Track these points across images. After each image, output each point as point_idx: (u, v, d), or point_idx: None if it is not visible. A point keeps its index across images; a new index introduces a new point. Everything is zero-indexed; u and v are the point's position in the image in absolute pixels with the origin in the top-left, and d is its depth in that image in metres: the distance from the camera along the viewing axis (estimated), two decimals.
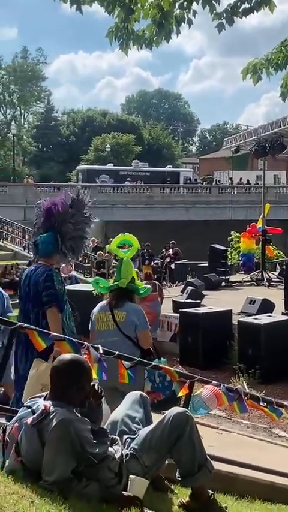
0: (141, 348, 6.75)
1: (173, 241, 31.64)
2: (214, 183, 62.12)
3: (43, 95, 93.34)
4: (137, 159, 69.05)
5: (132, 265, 7.07)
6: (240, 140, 24.19)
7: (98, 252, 27.49)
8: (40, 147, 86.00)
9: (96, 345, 5.64)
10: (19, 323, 5.63)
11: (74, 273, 28.06)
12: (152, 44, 6.46)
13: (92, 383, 4.43)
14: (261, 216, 24.28)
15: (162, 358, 6.81)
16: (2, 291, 8.62)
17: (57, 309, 6.33)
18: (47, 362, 5.62)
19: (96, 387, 4.43)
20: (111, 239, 6.93)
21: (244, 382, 11.04)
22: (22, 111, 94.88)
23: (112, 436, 4.38)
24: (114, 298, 6.82)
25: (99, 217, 42.26)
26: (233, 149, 25.25)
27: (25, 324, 5.64)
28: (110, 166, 64.33)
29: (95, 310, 6.91)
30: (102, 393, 4.45)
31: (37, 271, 6.44)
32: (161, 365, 6.11)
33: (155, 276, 16.06)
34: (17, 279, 24.05)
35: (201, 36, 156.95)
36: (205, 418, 8.65)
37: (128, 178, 58.65)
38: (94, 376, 5.38)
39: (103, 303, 6.95)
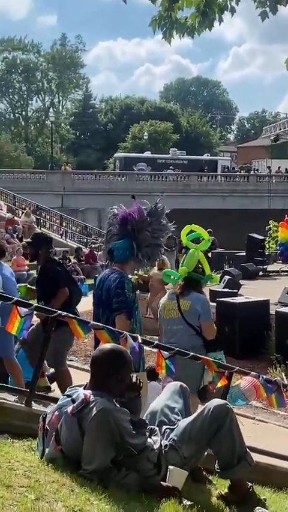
0: (204, 338, 6.90)
1: (209, 230, 31.53)
2: (252, 171, 61.67)
3: (81, 82, 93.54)
4: (175, 147, 68.84)
5: (198, 256, 7.29)
6: (280, 129, 24.04)
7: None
8: (78, 134, 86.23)
9: (135, 335, 5.64)
10: (59, 311, 5.64)
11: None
12: (194, 32, 6.40)
13: (131, 375, 4.43)
14: None
15: (218, 352, 6.90)
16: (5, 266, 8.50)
17: (126, 316, 6.36)
18: None
19: (134, 379, 4.43)
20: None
21: (282, 373, 10.96)
22: (60, 98, 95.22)
23: (151, 426, 4.38)
24: (180, 287, 7.10)
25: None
26: (272, 138, 25.09)
27: (64, 313, 5.65)
28: (147, 154, 64.27)
29: (163, 298, 7.24)
30: (141, 385, 4.45)
31: (110, 276, 6.47)
32: (200, 356, 6.09)
33: None
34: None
35: (241, 23, 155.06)
36: (241, 408, 8.61)
37: (170, 167, 58.49)
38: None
39: (171, 291, 7.23)
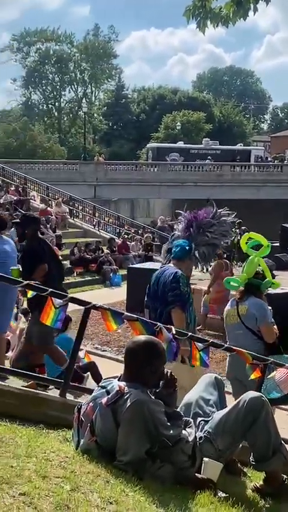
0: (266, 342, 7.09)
1: (239, 220, 31.38)
2: (286, 161, 61.11)
3: (114, 73, 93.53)
4: (208, 137, 68.55)
5: (258, 263, 7.49)
6: None
7: (146, 235, 27.19)
8: (110, 125, 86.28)
9: (169, 326, 5.64)
10: (93, 303, 5.65)
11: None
12: (229, 21, 6.34)
13: (165, 371, 4.42)
14: None
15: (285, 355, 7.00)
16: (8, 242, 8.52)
17: (181, 309, 6.63)
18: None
19: (169, 375, 4.42)
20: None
21: None
22: (93, 89, 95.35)
23: (186, 418, 4.37)
24: (239, 293, 7.34)
25: (168, 196, 42.22)
26: None
27: (99, 304, 5.66)
28: (180, 144, 64.06)
29: (227, 305, 7.48)
30: (176, 380, 4.44)
31: (165, 272, 6.79)
32: (234, 347, 6.08)
33: (225, 255, 16.00)
34: (87, 256, 24.39)
35: (275, 12, 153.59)
36: None
37: (208, 157, 58.22)
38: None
39: (233, 298, 7.51)
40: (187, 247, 6.84)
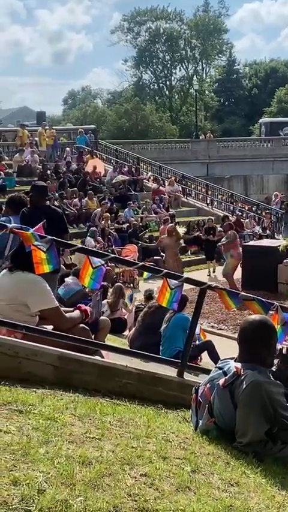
0: None
1: None
2: None
3: (225, 48, 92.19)
4: None
5: None
6: None
7: (208, 218, 26.43)
8: (222, 101, 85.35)
9: (286, 305, 5.55)
10: (208, 283, 5.64)
11: (257, 228, 27.89)
12: None
13: (279, 347, 4.36)
14: None
15: None
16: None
17: None
18: None
19: (284, 351, 4.36)
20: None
21: None
22: (204, 65, 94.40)
23: None
24: None
25: (283, 171, 41.28)
26: None
27: (214, 284, 5.65)
28: None
29: None
30: None
31: None
32: None
33: None
34: (201, 234, 24.37)
35: None
36: None
37: None
38: None
39: None
40: None
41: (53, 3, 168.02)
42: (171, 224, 20.80)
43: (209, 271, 22.29)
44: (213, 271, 22.17)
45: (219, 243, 19.86)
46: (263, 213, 31.45)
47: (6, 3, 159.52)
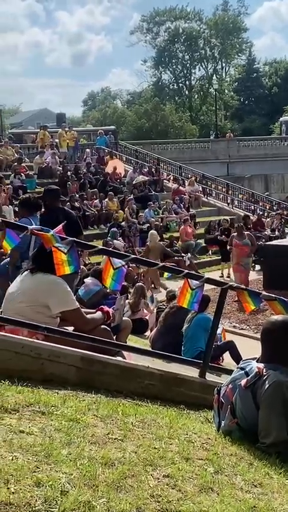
0: None
1: None
2: None
3: (244, 47, 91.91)
4: None
5: None
6: None
7: (223, 218, 26.06)
8: (242, 100, 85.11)
9: None
10: (230, 283, 5.63)
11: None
12: None
13: None
14: None
15: None
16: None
17: None
18: None
19: None
20: None
21: None
22: (223, 64, 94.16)
23: None
24: None
25: None
26: None
27: (235, 284, 5.63)
28: None
29: None
30: None
31: None
32: None
33: None
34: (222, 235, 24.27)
35: None
36: None
37: None
38: None
39: None
40: None
41: (73, 5, 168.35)
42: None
43: (222, 273, 21.58)
44: (227, 276, 20.86)
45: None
46: (274, 214, 30.75)
47: (25, 5, 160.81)
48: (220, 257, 22.89)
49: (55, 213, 8.94)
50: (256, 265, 21.54)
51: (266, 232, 25.94)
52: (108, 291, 9.80)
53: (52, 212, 8.91)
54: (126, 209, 25.15)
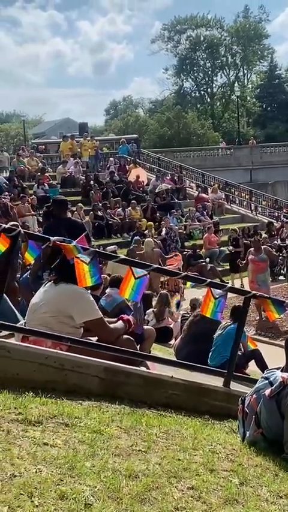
0: None
1: None
2: None
3: (266, 53, 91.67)
4: None
5: None
6: None
7: (231, 228, 25.49)
8: (264, 106, 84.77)
9: None
10: (253, 292, 5.60)
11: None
12: None
13: None
14: None
15: None
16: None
17: None
18: None
19: None
20: None
21: None
22: (245, 71, 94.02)
23: None
24: None
25: None
26: None
27: (259, 293, 5.60)
28: None
29: None
30: None
31: None
32: None
33: None
34: (245, 241, 24.14)
35: None
36: None
37: None
38: None
39: None
40: None
41: (94, 14, 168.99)
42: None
43: (233, 284, 18.51)
44: (241, 286, 18.89)
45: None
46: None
47: (47, 16, 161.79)
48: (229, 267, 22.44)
49: (60, 222, 9.19)
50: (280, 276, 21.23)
51: (275, 242, 24.51)
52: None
53: (58, 222, 9.19)
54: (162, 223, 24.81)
